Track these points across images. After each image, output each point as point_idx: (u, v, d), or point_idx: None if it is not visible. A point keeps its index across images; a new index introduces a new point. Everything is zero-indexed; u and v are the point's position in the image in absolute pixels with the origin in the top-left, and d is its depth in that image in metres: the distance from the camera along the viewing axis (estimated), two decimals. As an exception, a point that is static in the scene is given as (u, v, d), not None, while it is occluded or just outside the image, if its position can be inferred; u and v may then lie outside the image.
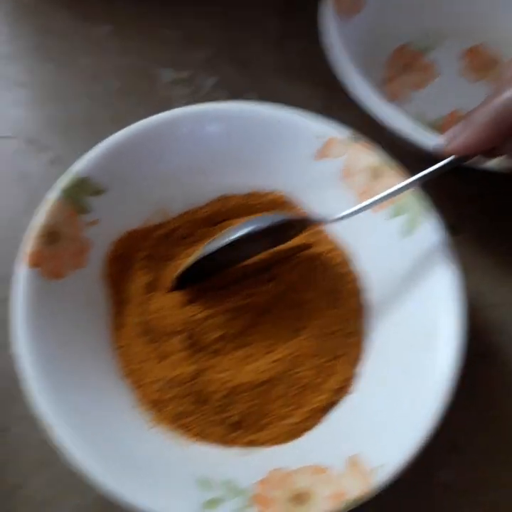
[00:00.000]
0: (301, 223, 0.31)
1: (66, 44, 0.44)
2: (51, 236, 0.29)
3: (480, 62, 0.43)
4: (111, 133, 0.32)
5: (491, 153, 0.30)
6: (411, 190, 0.31)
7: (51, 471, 0.30)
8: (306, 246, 0.33)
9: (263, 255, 0.32)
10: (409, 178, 0.31)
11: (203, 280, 0.31)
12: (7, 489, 0.30)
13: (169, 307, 0.30)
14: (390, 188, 0.30)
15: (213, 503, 0.24)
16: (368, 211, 0.32)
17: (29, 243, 0.29)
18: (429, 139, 0.33)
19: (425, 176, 0.29)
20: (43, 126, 0.40)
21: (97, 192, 0.31)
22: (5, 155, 0.39)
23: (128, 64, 0.43)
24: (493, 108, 0.27)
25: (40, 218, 0.29)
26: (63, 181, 0.30)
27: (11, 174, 0.38)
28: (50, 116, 0.41)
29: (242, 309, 0.31)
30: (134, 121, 0.33)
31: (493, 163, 0.33)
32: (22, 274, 0.28)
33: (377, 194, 0.31)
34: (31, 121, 0.40)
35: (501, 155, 0.30)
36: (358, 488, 0.24)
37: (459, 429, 0.32)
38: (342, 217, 0.30)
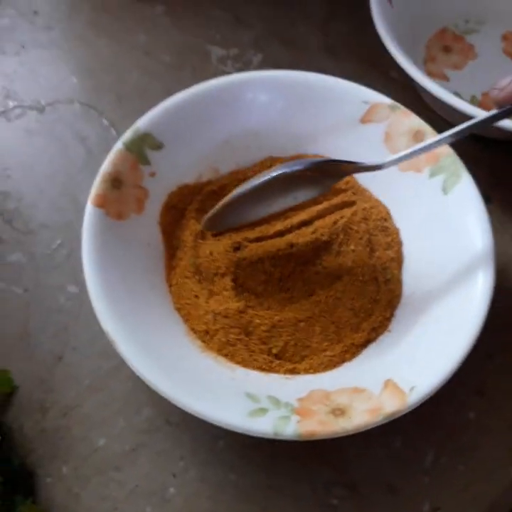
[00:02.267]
0: (340, 168, 0.33)
1: (120, 22, 0.50)
2: (115, 182, 0.34)
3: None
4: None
5: None
6: (450, 151, 0.35)
7: (102, 395, 0.35)
8: (350, 203, 0.37)
9: (307, 212, 0.37)
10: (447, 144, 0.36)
11: (250, 226, 0.36)
12: (64, 409, 0.35)
13: (218, 252, 0.35)
14: (429, 151, 0.35)
15: (260, 411, 0.28)
16: (407, 171, 0.37)
17: (96, 187, 0.34)
18: (470, 109, 0.38)
19: (467, 128, 0.31)
20: (99, 95, 0.46)
21: (157, 146, 0.36)
22: (65, 118, 0.45)
23: (180, 41, 0.49)
24: None
25: (106, 166, 0.34)
26: (128, 134, 0.36)
27: (71, 135, 0.44)
28: (106, 85, 0.47)
29: (284, 258, 0.35)
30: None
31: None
32: (89, 212, 0.33)
33: (417, 158, 0.36)
34: (89, 89, 0.46)
35: None
36: (395, 405, 0.28)
37: (486, 375, 0.36)
38: (382, 166, 0.33)
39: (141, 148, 0.35)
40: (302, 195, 0.34)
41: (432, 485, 0.33)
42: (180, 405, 0.28)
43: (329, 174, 0.33)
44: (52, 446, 0.34)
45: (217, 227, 0.36)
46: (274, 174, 0.32)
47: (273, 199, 0.34)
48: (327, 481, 0.33)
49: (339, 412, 0.28)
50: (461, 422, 0.35)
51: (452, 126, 0.44)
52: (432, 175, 0.36)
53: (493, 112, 0.31)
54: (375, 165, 0.33)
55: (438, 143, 0.32)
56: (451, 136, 0.32)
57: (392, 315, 0.34)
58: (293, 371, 0.32)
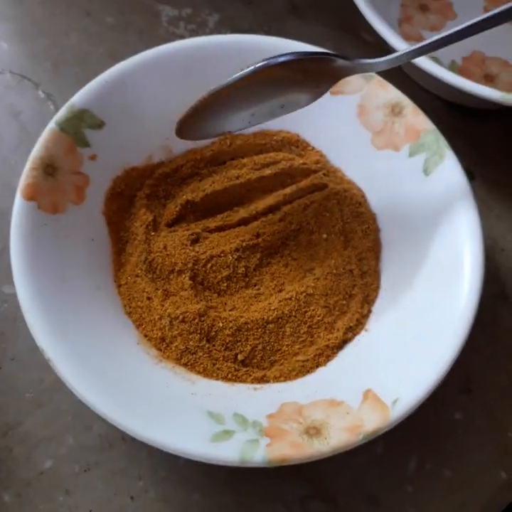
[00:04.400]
0: (335, 67, 0.28)
1: (56, -23, 0.44)
2: (49, 168, 0.30)
3: (502, 2, 0.44)
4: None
5: None
6: (432, 127, 0.32)
7: (47, 410, 0.31)
8: (321, 186, 0.34)
9: (273, 196, 0.33)
10: (428, 118, 0.33)
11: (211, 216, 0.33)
12: (3, 427, 0.31)
13: (174, 246, 0.31)
14: (409, 126, 0.32)
15: (224, 434, 0.25)
16: (384, 150, 0.33)
17: (26, 175, 0.29)
18: (449, 76, 0.34)
19: (486, 20, 0.27)
20: (34, 62, 0.41)
21: (97, 125, 0.32)
22: (-5, 90, 0.40)
23: (125, 0, 0.44)
24: None
25: (37, 150, 0.30)
26: (62, 113, 0.31)
27: (2, 110, 0.39)
28: (41, 51, 0.41)
29: (250, 249, 0.32)
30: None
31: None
32: (18, 206, 0.28)
33: (395, 134, 0.33)
34: (21, 56, 0.41)
35: None
36: (376, 421, 0.25)
37: (472, 371, 0.34)
38: (384, 63, 0.29)
39: (78, 127, 0.31)
40: (290, 103, 0.30)
41: (416, 494, 0.31)
42: (132, 433, 0.24)
43: (321, 75, 0.29)
44: (-8, 471, 0.30)
45: (192, 134, 0.31)
46: (257, 66, 0.27)
47: (257, 103, 0.29)
48: (303, 497, 0.30)
49: (314, 431, 0.25)
50: (446, 424, 0.32)
51: (431, 95, 0.41)
52: (412, 154, 0.32)
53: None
54: (376, 62, 0.28)
55: (458, 35, 0.27)
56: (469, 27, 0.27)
57: (369, 311, 0.31)
58: (261, 380, 0.29)
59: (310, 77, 0.28)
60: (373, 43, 0.42)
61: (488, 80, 0.41)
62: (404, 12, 0.44)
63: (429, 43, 0.28)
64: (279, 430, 0.25)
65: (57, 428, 0.31)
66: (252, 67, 0.27)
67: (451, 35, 0.27)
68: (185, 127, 0.30)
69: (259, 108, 0.29)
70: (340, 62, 0.28)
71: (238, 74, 0.27)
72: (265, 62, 0.27)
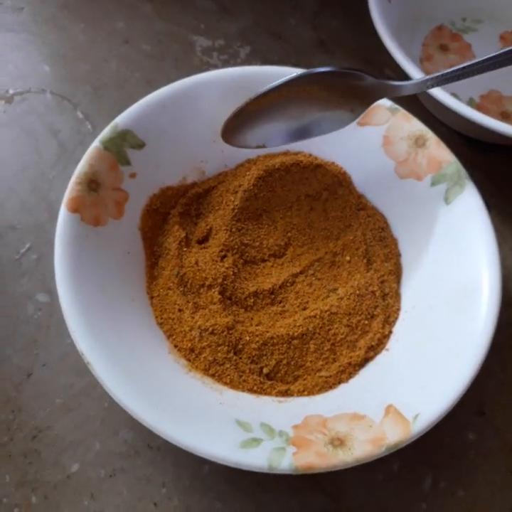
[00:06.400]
0: (370, 88, 0.30)
1: (97, 6, 0.47)
2: (92, 184, 0.31)
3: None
4: (142, 96, 0.35)
5: None
6: (453, 158, 0.34)
7: (76, 415, 0.32)
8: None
9: (301, 223, 0.35)
10: (450, 151, 0.34)
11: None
12: (33, 431, 0.32)
13: (205, 261, 0.32)
14: (431, 158, 0.33)
15: (252, 442, 0.26)
16: (407, 179, 0.35)
17: (71, 189, 0.31)
18: (468, 111, 0.36)
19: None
20: (74, 85, 0.43)
21: (138, 145, 0.33)
22: (36, 109, 0.41)
23: (162, 30, 0.46)
24: None
25: (82, 166, 0.31)
26: (106, 132, 0.33)
27: (42, 128, 0.41)
28: (81, 75, 0.43)
29: (277, 268, 0.33)
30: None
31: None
32: (63, 218, 0.30)
33: (418, 164, 0.34)
34: (62, 79, 0.43)
35: None
36: (398, 435, 0.26)
37: (486, 394, 0.35)
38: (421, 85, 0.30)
39: (121, 147, 0.32)
40: (326, 124, 0.32)
41: (430, 511, 0.32)
42: (164, 436, 0.25)
43: (355, 96, 0.30)
44: (20, 473, 0.31)
45: (235, 140, 0.33)
46: (299, 74, 0.29)
47: (295, 120, 0.31)
48: (321, 510, 0.31)
49: (338, 442, 0.26)
50: (460, 444, 0.33)
51: (450, 129, 0.43)
52: (434, 183, 0.34)
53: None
54: (405, 84, 0.31)
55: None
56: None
57: (390, 332, 0.32)
58: (286, 393, 0.30)
59: (344, 97, 0.30)
60: (395, 79, 0.44)
61: (505, 116, 0.43)
62: (425, 51, 0.46)
63: (452, 71, 0.30)
64: (305, 440, 0.26)
65: (85, 433, 0.32)
66: (294, 75, 0.29)
67: (473, 64, 0.30)
68: (230, 131, 0.31)
69: (296, 126, 0.31)
70: (371, 80, 0.30)
71: (281, 80, 0.29)
72: (307, 71, 0.29)
